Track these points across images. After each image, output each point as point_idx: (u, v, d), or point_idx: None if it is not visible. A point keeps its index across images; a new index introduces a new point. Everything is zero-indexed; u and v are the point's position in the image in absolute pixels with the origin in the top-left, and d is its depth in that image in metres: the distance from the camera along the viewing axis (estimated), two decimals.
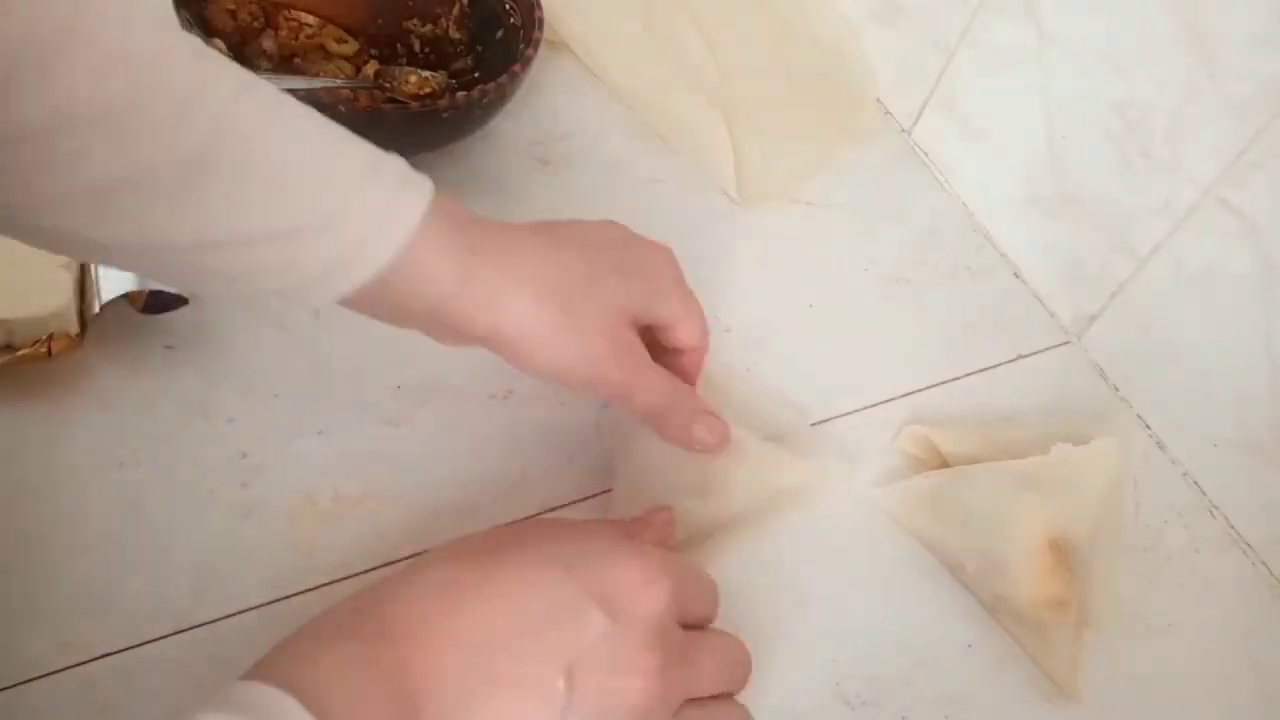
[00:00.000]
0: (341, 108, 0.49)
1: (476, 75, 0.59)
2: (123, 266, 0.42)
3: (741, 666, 0.38)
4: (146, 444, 0.44)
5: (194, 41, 0.34)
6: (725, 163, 0.62)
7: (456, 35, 0.61)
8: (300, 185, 0.34)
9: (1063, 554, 0.46)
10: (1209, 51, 0.50)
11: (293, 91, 0.48)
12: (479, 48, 0.60)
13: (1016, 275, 0.63)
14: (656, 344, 0.45)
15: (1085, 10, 0.56)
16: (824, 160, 0.66)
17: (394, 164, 0.37)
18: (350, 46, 0.59)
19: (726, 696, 0.37)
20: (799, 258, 0.60)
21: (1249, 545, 0.53)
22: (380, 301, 0.37)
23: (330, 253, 0.35)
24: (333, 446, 0.46)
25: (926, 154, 0.69)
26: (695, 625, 0.37)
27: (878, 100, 0.72)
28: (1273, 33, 0.47)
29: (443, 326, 0.39)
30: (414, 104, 0.55)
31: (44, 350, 0.43)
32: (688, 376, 0.46)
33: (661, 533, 0.41)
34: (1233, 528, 0.54)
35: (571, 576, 0.33)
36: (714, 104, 0.64)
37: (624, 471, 0.46)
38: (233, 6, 0.56)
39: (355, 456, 0.46)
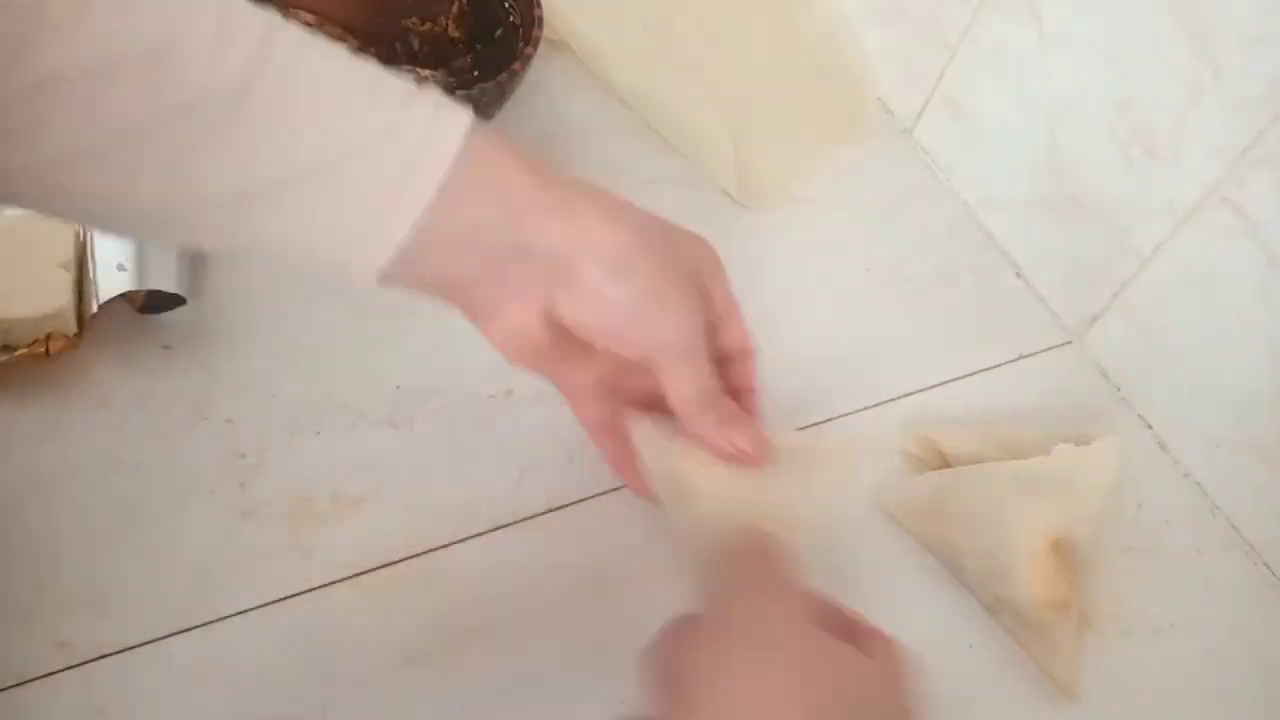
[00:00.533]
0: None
1: (476, 74, 0.59)
2: (162, 236, 0.40)
3: None
4: (145, 444, 0.44)
5: None
6: (725, 162, 0.61)
7: (455, 34, 0.61)
8: (345, 110, 0.33)
9: (1064, 555, 0.46)
10: (1211, 50, 0.50)
11: None
12: (478, 46, 0.60)
13: (1018, 275, 0.63)
14: None
15: (1087, 9, 0.56)
16: (824, 160, 0.66)
17: (431, 89, 0.35)
18: (348, 45, 0.59)
19: None
20: (799, 258, 0.60)
21: (1251, 546, 0.53)
22: (446, 223, 0.34)
23: (388, 171, 0.33)
24: (332, 446, 0.46)
25: (928, 153, 0.69)
26: None
27: (878, 100, 0.72)
28: (1275, 32, 0.47)
29: (511, 238, 0.35)
30: None
31: (42, 350, 0.43)
32: (744, 390, 0.43)
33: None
34: (1234, 528, 0.54)
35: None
36: (714, 103, 0.63)
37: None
38: None
39: (354, 456, 0.46)
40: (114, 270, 0.44)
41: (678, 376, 0.39)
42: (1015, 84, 0.61)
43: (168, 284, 0.45)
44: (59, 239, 0.46)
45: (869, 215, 0.64)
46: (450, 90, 0.58)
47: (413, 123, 0.33)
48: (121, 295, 0.44)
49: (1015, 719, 0.44)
